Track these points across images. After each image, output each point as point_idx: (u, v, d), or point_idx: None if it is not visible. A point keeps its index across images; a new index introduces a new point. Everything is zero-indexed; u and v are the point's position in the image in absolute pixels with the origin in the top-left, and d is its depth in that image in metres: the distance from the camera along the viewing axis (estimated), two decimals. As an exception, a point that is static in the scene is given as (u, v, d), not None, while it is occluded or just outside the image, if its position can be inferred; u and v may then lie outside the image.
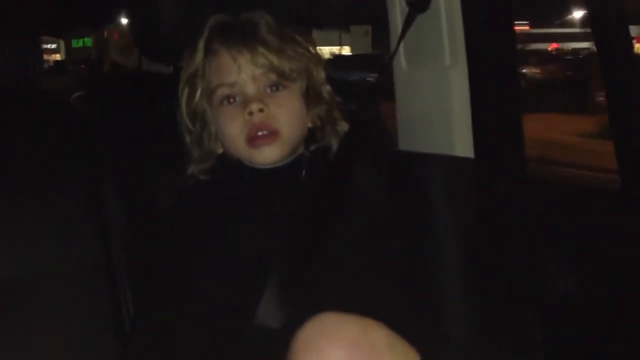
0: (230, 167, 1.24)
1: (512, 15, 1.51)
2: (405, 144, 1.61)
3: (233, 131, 1.21)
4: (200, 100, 1.25)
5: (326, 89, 1.29)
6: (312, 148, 1.26)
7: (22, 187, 1.23)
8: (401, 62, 1.59)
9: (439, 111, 1.52)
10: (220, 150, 1.27)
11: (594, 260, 1.30)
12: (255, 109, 1.19)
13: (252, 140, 1.20)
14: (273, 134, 1.20)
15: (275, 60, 1.21)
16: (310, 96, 1.27)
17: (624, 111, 1.27)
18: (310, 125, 1.28)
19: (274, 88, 1.23)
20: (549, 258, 1.36)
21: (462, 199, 1.48)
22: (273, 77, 1.22)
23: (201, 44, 1.24)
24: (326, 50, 23.29)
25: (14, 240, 1.21)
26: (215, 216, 1.18)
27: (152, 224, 1.25)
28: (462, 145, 1.49)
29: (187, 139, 1.28)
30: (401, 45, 1.51)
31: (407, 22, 1.47)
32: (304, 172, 1.23)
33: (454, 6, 1.44)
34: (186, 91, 1.26)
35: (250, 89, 1.21)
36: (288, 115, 1.22)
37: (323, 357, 0.92)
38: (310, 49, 1.27)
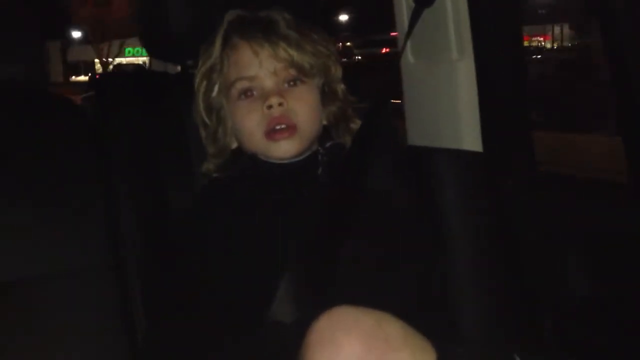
0: (245, 161, 1.24)
1: (518, 8, 1.50)
2: (414, 138, 1.61)
3: (251, 124, 1.21)
4: (217, 94, 1.26)
5: (341, 87, 1.30)
6: (327, 145, 1.26)
7: (31, 187, 1.24)
8: (408, 56, 1.58)
9: (446, 105, 1.52)
10: (234, 146, 1.27)
11: (605, 255, 1.29)
12: (275, 102, 1.19)
13: (271, 134, 1.20)
14: (291, 128, 1.20)
15: (295, 55, 1.22)
16: (326, 93, 1.28)
17: (633, 110, 1.25)
18: (325, 122, 1.28)
19: (292, 83, 1.23)
20: (559, 253, 1.36)
21: (471, 193, 1.48)
22: (293, 72, 1.23)
23: (219, 38, 1.25)
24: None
25: (24, 240, 1.22)
26: (233, 213, 1.18)
27: (162, 224, 1.25)
28: (470, 140, 1.48)
29: (203, 133, 1.28)
30: (408, 40, 1.50)
31: (414, 17, 1.47)
32: (320, 169, 1.23)
33: (460, 0, 1.43)
34: (203, 85, 1.26)
35: (270, 83, 1.22)
36: (306, 110, 1.23)
37: (338, 350, 0.92)
38: (329, 45, 1.28)
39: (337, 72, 1.29)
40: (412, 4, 1.49)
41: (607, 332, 1.26)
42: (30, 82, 1.31)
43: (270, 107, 1.20)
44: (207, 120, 1.27)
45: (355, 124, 1.30)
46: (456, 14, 1.45)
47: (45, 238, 1.23)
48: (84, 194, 1.27)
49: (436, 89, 1.54)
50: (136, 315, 1.27)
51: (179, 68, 1.56)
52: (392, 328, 0.95)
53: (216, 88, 1.26)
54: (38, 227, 1.23)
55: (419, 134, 1.60)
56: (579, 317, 1.32)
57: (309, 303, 1.01)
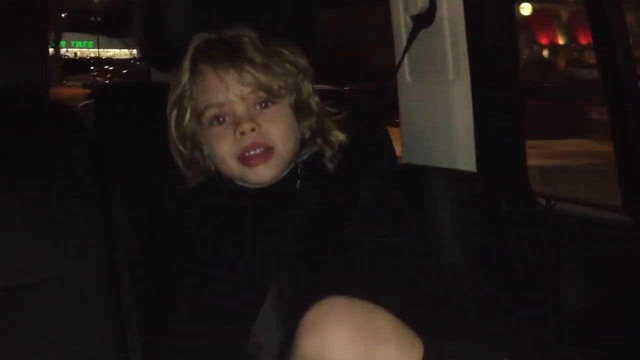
0: (223, 186, 1.22)
1: (515, 30, 1.52)
2: (408, 156, 1.62)
3: (224, 151, 1.19)
4: (189, 121, 1.23)
5: (315, 100, 1.28)
6: (303, 157, 1.23)
7: (27, 192, 1.24)
8: (405, 75, 1.60)
9: (442, 125, 1.53)
10: (213, 169, 1.25)
11: (599, 273, 1.30)
12: (247, 128, 1.17)
13: (246, 160, 1.18)
14: (267, 151, 1.18)
15: (262, 77, 1.19)
16: (300, 109, 1.26)
17: (625, 127, 1.27)
18: (300, 137, 1.26)
19: (263, 105, 1.21)
20: (553, 271, 1.36)
21: (465, 212, 1.49)
22: (261, 94, 1.20)
23: (186, 64, 1.22)
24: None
25: (19, 246, 1.22)
26: (210, 235, 1.16)
27: (157, 232, 1.25)
28: (465, 159, 1.49)
29: (179, 161, 1.26)
30: (405, 59, 1.52)
31: (411, 36, 1.48)
32: (298, 181, 1.21)
33: (457, 21, 1.45)
34: (174, 113, 1.24)
35: (240, 108, 1.19)
36: (281, 130, 1.20)
37: (327, 337, 0.92)
38: (299, 60, 1.26)
39: (307, 87, 1.26)
40: (411, 23, 1.51)
41: (601, 348, 1.26)
42: (30, 87, 1.31)
43: (242, 133, 1.17)
44: (181, 148, 1.25)
45: (335, 137, 1.27)
46: (453, 35, 1.46)
47: (40, 244, 1.23)
48: (80, 201, 1.27)
49: (432, 109, 1.55)
50: (130, 322, 1.27)
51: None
52: (382, 320, 0.95)
53: (188, 115, 1.23)
54: (33, 233, 1.23)
55: (413, 153, 1.61)
56: (573, 332, 1.32)
57: (295, 317, 1.01)
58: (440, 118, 1.53)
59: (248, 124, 1.18)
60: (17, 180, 1.24)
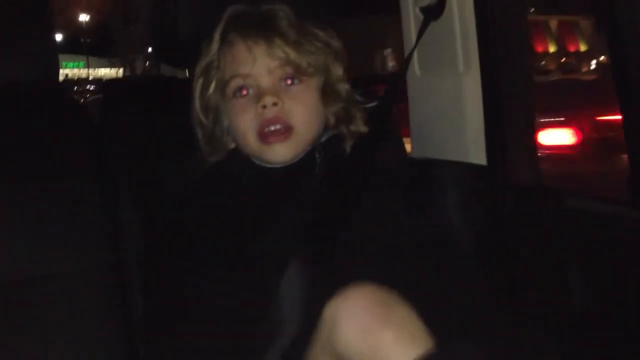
0: (239, 164, 1.19)
1: (526, 22, 1.50)
2: (418, 150, 1.61)
3: (244, 124, 1.17)
4: (214, 93, 1.21)
5: (344, 86, 1.24)
6: (323, 139, 1.20)
7: (34, 186, 1.24)
8: (415, 68, 1.59)
9: (452, 118, 1.52)
10: (232, 146, 1.23)
11: (608, 271, 1.29)
12: (268, 102, 1.14)
13: (265, 136, 1.15)
14: (287, 130, 1.15)
15: (292, 53, 1.16)
16: (327, 93, 1.22)
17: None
18: (324, 122, 1.22)
19: (289, 82, 1.18)
20: (562, 268, 1.36)
21: (474, 206, 1.48)
22: (289, 70, 1.17)
23: (217, 35, 1.21)
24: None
25: (24, 240, 1.22)
26: (224, 211, 1.14)
27: (165, 224, 1.25)
28: (475, 153, 1.48)
29: (199, 133, 1.23)
30: (415, 52, 1.51)
31: (421, 29, 1.47)
32: (317, 168, 1.18)
33: (468, 13, 1.44)
34: (200, 82, 1.22)
35: (265, 81, 1.16)
36: (303, 111, 1.17)
37: (338, 317, 0.93)
38: (331, 43, 1.23)
39: (337, 70, 1.23)
40: (420, 16, 1.50)
41: (605, 347, 1.25)
42: (39, 81, 1.31)
43: (264, 106, 1.14)
44: (203, 119, 1.22)
45: (358, 126, 1.23)
46: (463, 27, 1.45)
47: (46, 238, 1.23)
48: (86, 195, 1.27)
49: (442, 102, 1.54)
50: (136, 315, 1.27)
51: (187, 73, 1.57)
52: (395, 305, 0.95)
53: (213, 86, 1.21)
54: (38, 226, 1.23)
55: (423, 146, 1.60)
56: (578, 332, 1.31)
57: (312, 298, 0.99)
58: (450, 111, 1.52)
59: (270, 98, 1.15)
60: (21, 173, 1.24)
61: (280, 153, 1.16)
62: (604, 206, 1.34)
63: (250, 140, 1.17)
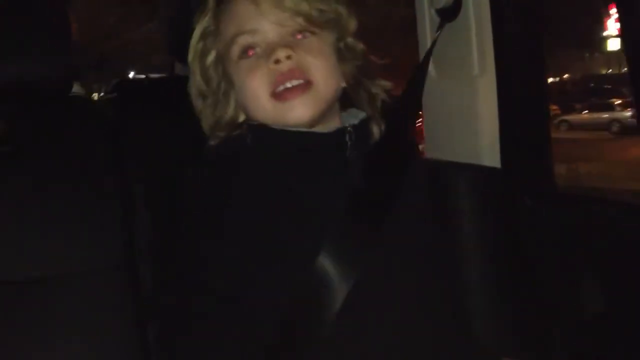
0: (255, 134, 1.05)
1: (542, 24, 1.49)
2: (432, 152, 1.61)
3: (255, 85, 1.03)
4: (215, 63, 1.09)
5: (359, 44, 1.13)
6: (355, 122, 1.09)
7: (47, 186, 1.25)
8: (429, 70, 1.58)
9: (466, 120, 1.51)
10: (241, 119, 1.10)
11: (624, 275, 1.27)
12: (282, 55, 1.01)
13: (280, 93, 1.02)
14: (304, 84, 1.03)
15: (303, 3, 1.04)
16: (342, 50, 1.11)
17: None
18: (343, 84, 1.10)
19: (300, 36, 1.06)
20: (577, 273, 1.34)
21: (488, 210, 1.47)
22: (300, 21, 1.05)
23: None
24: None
25: (39, 240, 1.23)
26: (249, 187, 1.03)
27: (178, 225, 1.24)
28: (489, 155, 1.48)
29: (199, 106, 1.11)
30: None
31: (437, 31, 1.46)
32: (348, 152, 1.07)
33: (483, 15, 1.43)
34: (199, 47, 1.09)
35: (275, 35, 1.04)
36: (320, 63, 1.05)
37: None
38: None
39: (351, 24, 1.11)
40: (436, 18, 1.49)
41: (617, 351, 1.24)
42: (53, 81, 1.32)
43: (277, 61, 1.01)
44: (204, 87, 1.10)
45: (376, 88, 1.12)
46: (479, 30, 1.44)
47: (60, 238, 1.24)
48: (100, 195, 1.28)
49: (456, 104, 1.53)
50: (149, 316, 1.27)
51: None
52: None
53: (212, 55, 1.09)
54: (52, 227, 1.24)
55: (437, 148, 1.59)
56: (591, 334, 1.30)
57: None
58: (465, 113, 1.51)
59: (284, 51, 1.02)
60: (35, 173, 1.25)
61: (300, 110, 1.03)
62: (622, 211, 1.33)
63: (265, 104, 1.04)
